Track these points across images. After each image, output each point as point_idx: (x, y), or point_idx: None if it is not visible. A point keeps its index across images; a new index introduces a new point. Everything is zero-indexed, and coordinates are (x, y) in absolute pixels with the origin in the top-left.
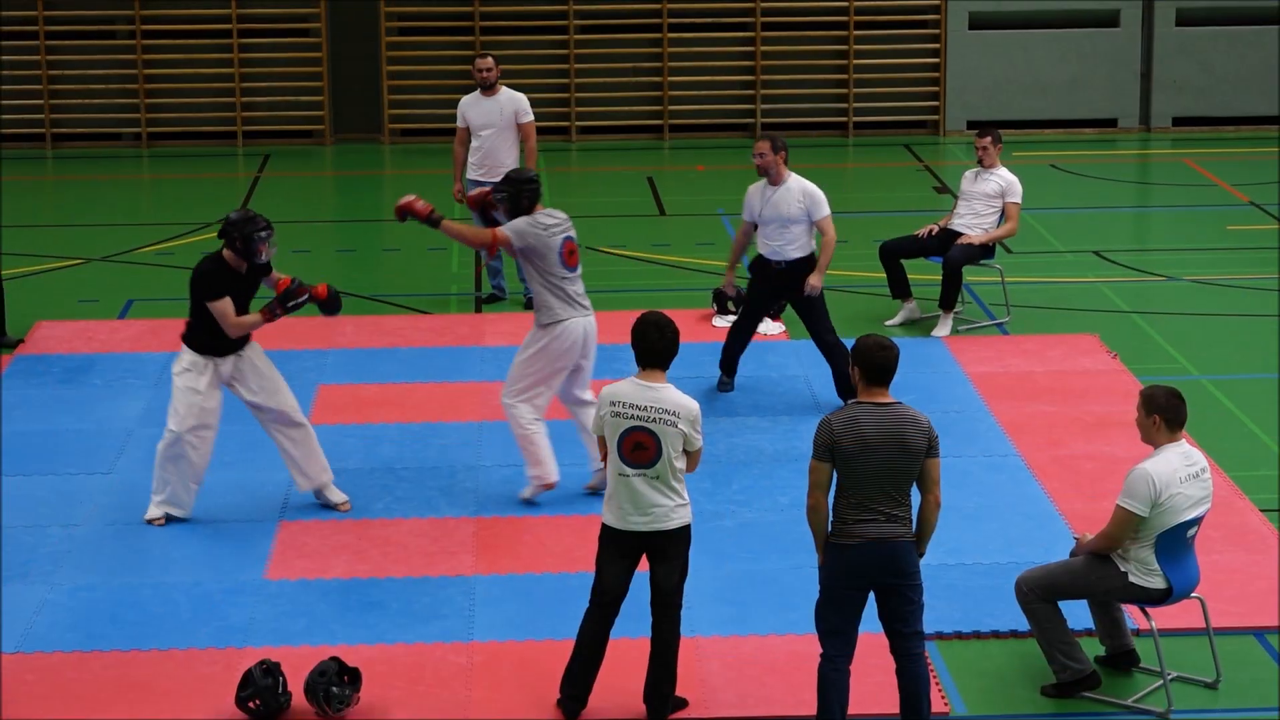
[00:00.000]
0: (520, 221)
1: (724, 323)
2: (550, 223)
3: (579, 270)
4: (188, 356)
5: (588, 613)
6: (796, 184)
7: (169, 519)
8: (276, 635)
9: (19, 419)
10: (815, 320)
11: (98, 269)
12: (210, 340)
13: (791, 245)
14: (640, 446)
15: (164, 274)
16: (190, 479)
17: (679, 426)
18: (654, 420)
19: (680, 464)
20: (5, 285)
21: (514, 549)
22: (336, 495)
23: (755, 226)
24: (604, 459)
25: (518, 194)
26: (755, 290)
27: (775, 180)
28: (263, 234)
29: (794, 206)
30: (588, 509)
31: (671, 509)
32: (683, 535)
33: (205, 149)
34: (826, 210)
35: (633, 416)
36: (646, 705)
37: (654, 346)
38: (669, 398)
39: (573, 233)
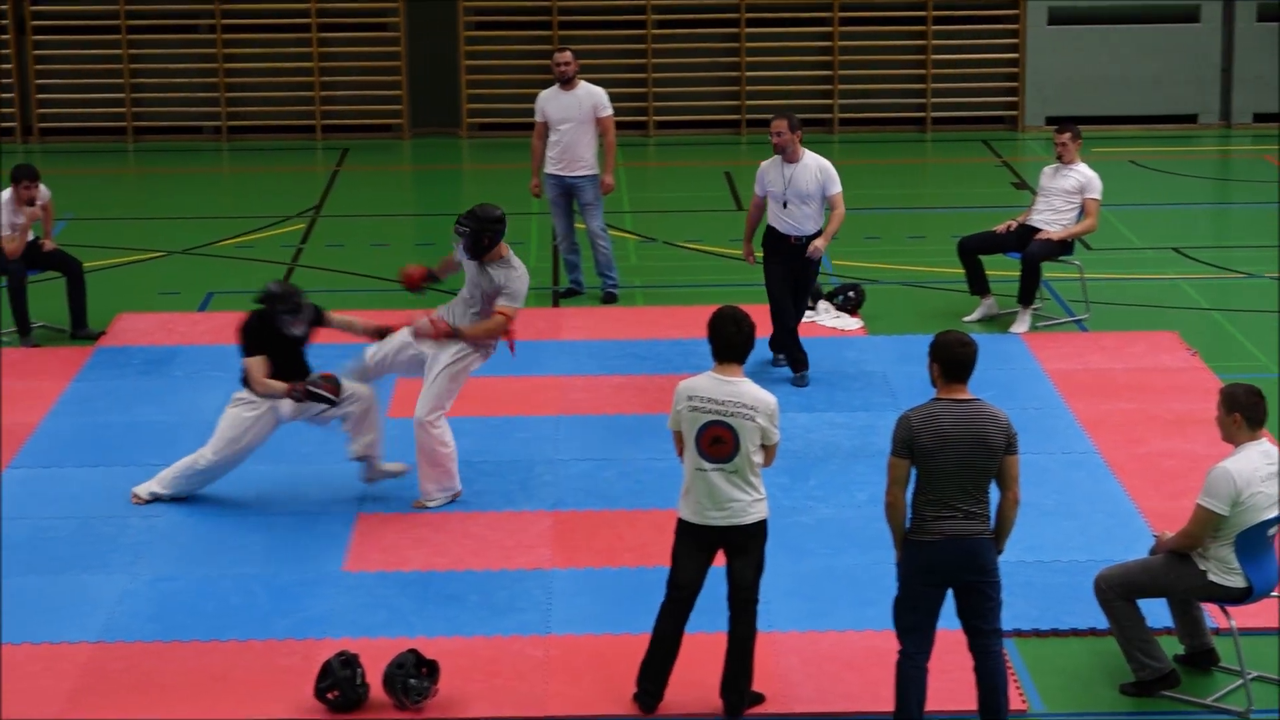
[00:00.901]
0: (517, 283)
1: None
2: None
3: None
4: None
5: (663, 606)
6: (813, 161)
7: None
8: (355, 627)
9: (100, 410)
10: (804, 285)
11: (178, 262)
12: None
13: (808, 220)
14: (718, 441)
15: (243, 267)
16: (198, 487)
17: (757, 421)
18: (732, 415)
19: (758, 459)
20: (87, 277)
21: (591, 543)
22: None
23: (764, 202)
24: (680, 454)
25: (479, 232)
26: (774, 268)
27: (792, 158)
28: (287, 316)
29: (812, 183)
30: (665, 503)
31: (749, 504)
32: (760, 530)
33: (285, 143)
34: (839, 187)
35: (711, 411)
36: (723, 700)
37: (731, 340)
38: (747, 392)
39: None
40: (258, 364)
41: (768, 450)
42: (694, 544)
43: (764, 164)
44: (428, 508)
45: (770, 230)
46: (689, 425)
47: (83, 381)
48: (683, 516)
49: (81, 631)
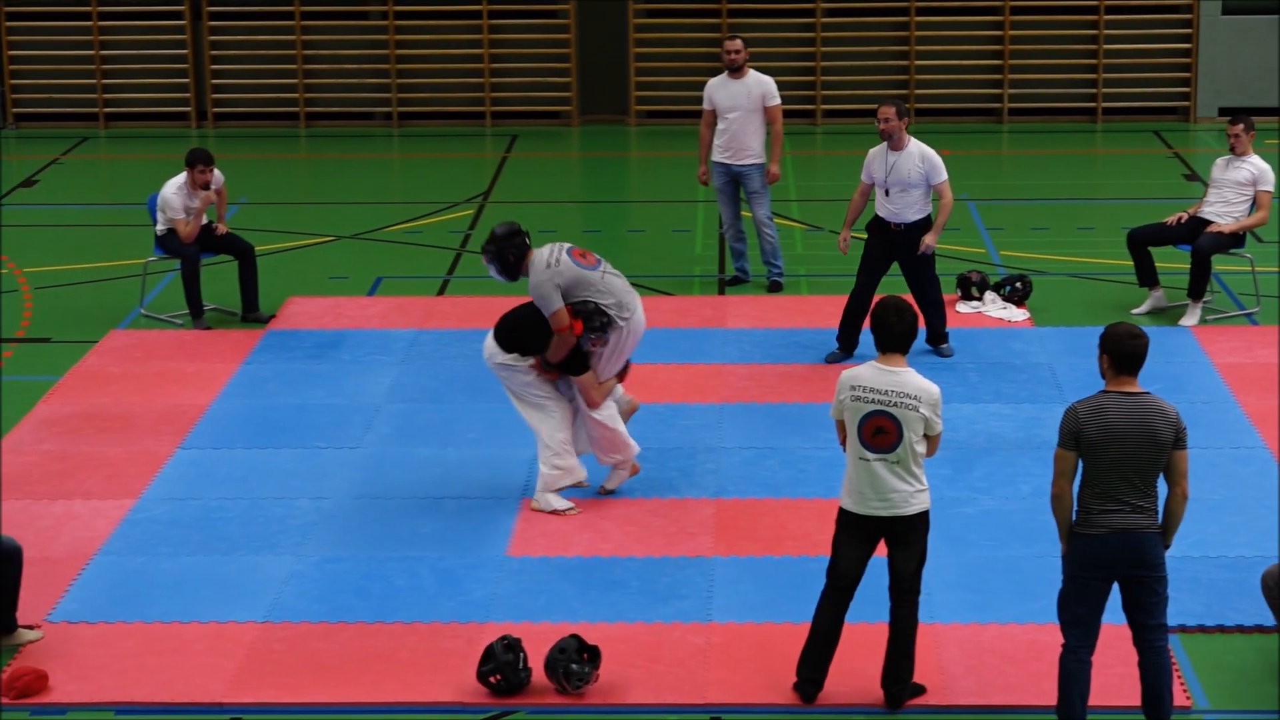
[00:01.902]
0: (539, 291)
1: (967, 309)
2: (550, 257)
3: (600, 262)
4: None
5: (823, 595)
6: (916, 149)
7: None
8: (518, 611)
9: (270, 392)
10: (922, 278)
11: (348, 246)
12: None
13: (911, 208)
14: (881, 431)
15: (412, 252)
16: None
17: (920, 411)
18: (895, 405)
19: (921, 449)
20: (259, 261)
21: (753, 531)
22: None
23: (870, 189)
24: (842, 443)
25: (502, 251)
26: (871, 252)
27: (897, 145)
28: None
29: (914, 171)
30: (828, 492)
31: (911, 494)
32: (922, 521)
33: (454, 129)
34: (944, 175)
35: (874, 401)
36: (884, 690)
37: (893, 330)
38: (910, 381)
39: (564, 244)
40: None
41: (930, 440)
42: (855, 534)
43: (871, 151)
44: (611, 491)
45: (874, 217)
46: (852, 415)
47: (253, 364)
48: (844, 506)
49: (248, 611)
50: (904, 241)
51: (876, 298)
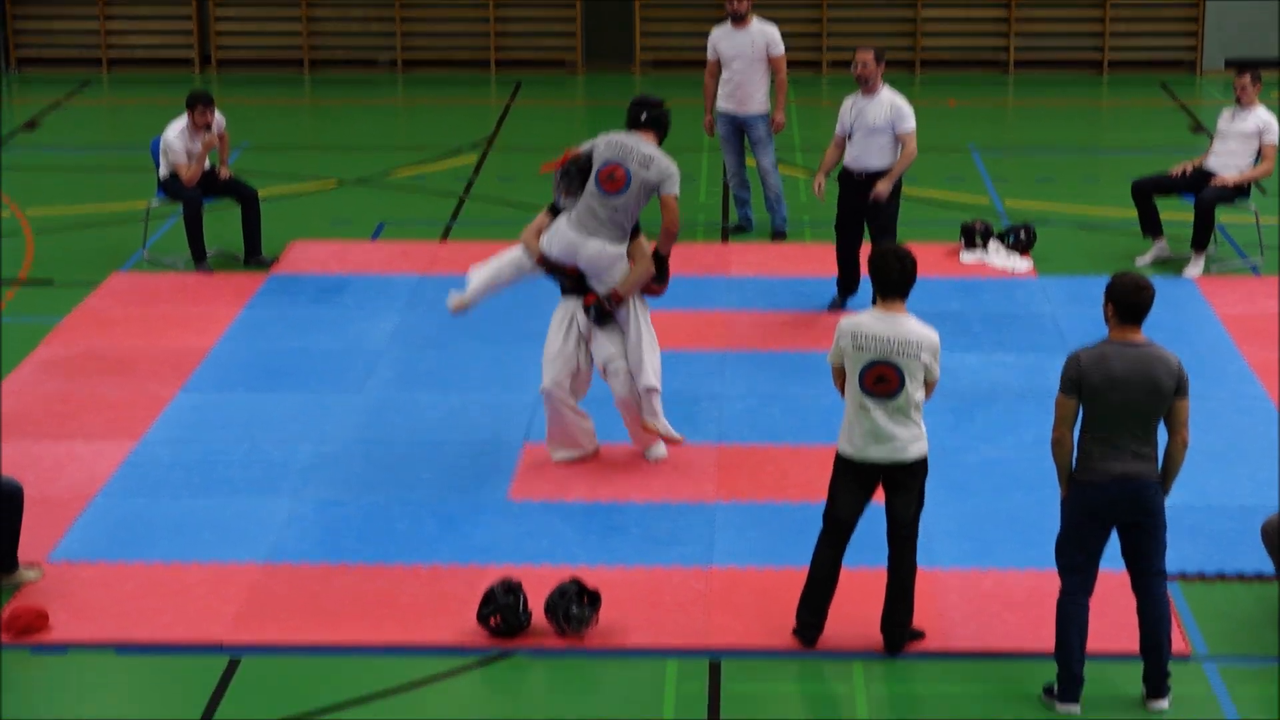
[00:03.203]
0: (668, 165)
1: (971, 258)
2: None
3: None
4: None
5: (820, 540)
6: (887, 96)
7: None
8: (518, 555)
9: (273, 336)
10: (880, 228)
11: (351, 191)
12: None
13: (873, 155)
14: (883, 380)
15: (415, 198)
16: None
17: (921, 358)
18: (896, 352)
19: (919, 396)
20: (262, 205)
21: (755, 477)
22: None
23: (845, 139)
24: (841, 391)
25: (665, 117)
26: (841, 205)
27: (870, 90)
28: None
29: (881, 116)
30: (829, 439)
31: (910, 441)
32: (920, 467)
33: (459, 76)
34: (911, 125)
35: (875, 350)
36: (883, 635)
37: (892, 277)
38: (912, 329)
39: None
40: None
41: (928, 386)
42: (853, 480)
43: (847, 99)
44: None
45: (842, 169)
46: (852, 363)
47: (255, 308)
48: (842, 452)
49: (249, 553)
50: (867, 191)
51: (871, 248)
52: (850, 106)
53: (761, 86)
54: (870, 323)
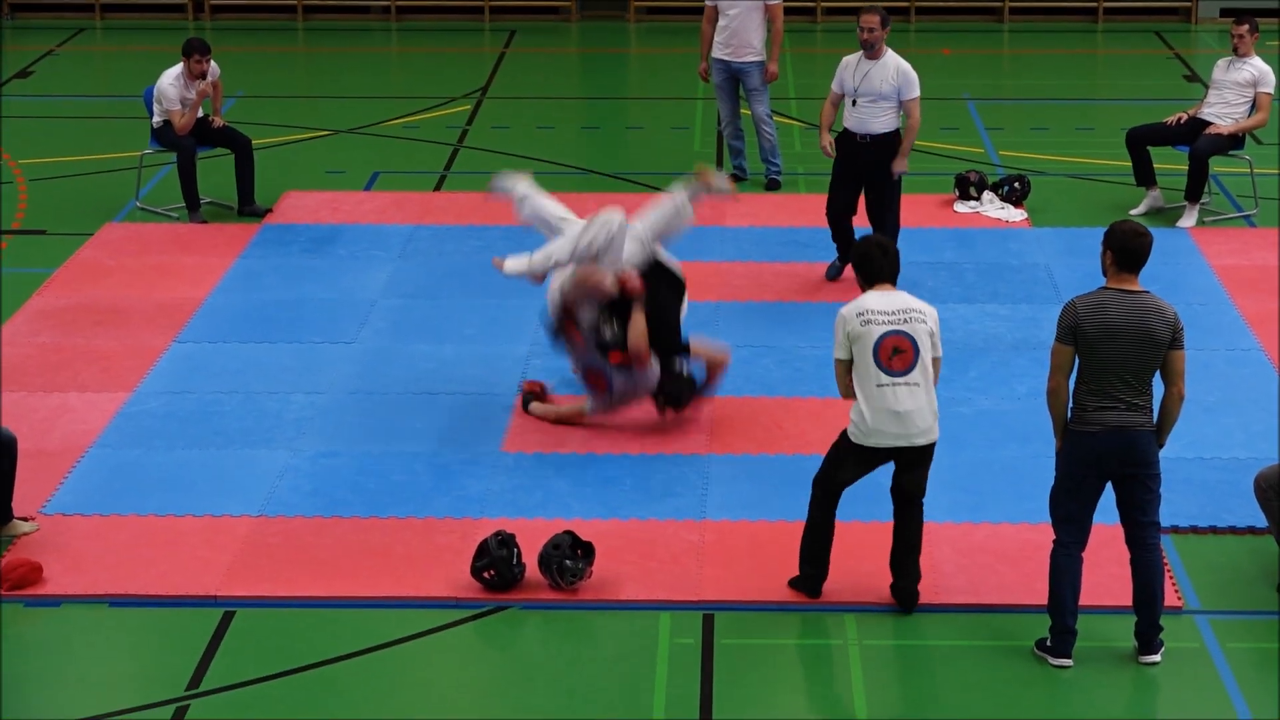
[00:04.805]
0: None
1: (965, 208)
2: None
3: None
4: None
5: (815, 502)
6: (893, 60)
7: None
8: (512, 507)
9: (266, 286)
10: (884, 203)
11: (345, 140)
12: None
13: (877, 120)
14: (899, 351)
15: (409, 147)
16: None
17: (928, 324)
18: (907, 321)
19: (931, 370)
20: (255, 155)
21: (749, 430)
22: None
23: (841, 99)
24: (842, 387)
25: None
26: (838, 168)
27: (875, 54)
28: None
29: (887, 83)
30: (823, 391)
31: (931, 422)
32: (933, 447)
33: (452, 24)
34: (917, 92)
35: (885, 321)
36: (896, 597)
37: (879, 266)
38: (913, 300)
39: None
40: None
41: (934, 364)
42: (862, 459)
43: (845, 59)
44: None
45: (842, 130)
46: (865, 342)
47: (249, 258)
48: (857, 441)
49: (243, 505)
50: (869, 155)
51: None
52: (854, 69)
53: (758, 34)
54: (874, 299)
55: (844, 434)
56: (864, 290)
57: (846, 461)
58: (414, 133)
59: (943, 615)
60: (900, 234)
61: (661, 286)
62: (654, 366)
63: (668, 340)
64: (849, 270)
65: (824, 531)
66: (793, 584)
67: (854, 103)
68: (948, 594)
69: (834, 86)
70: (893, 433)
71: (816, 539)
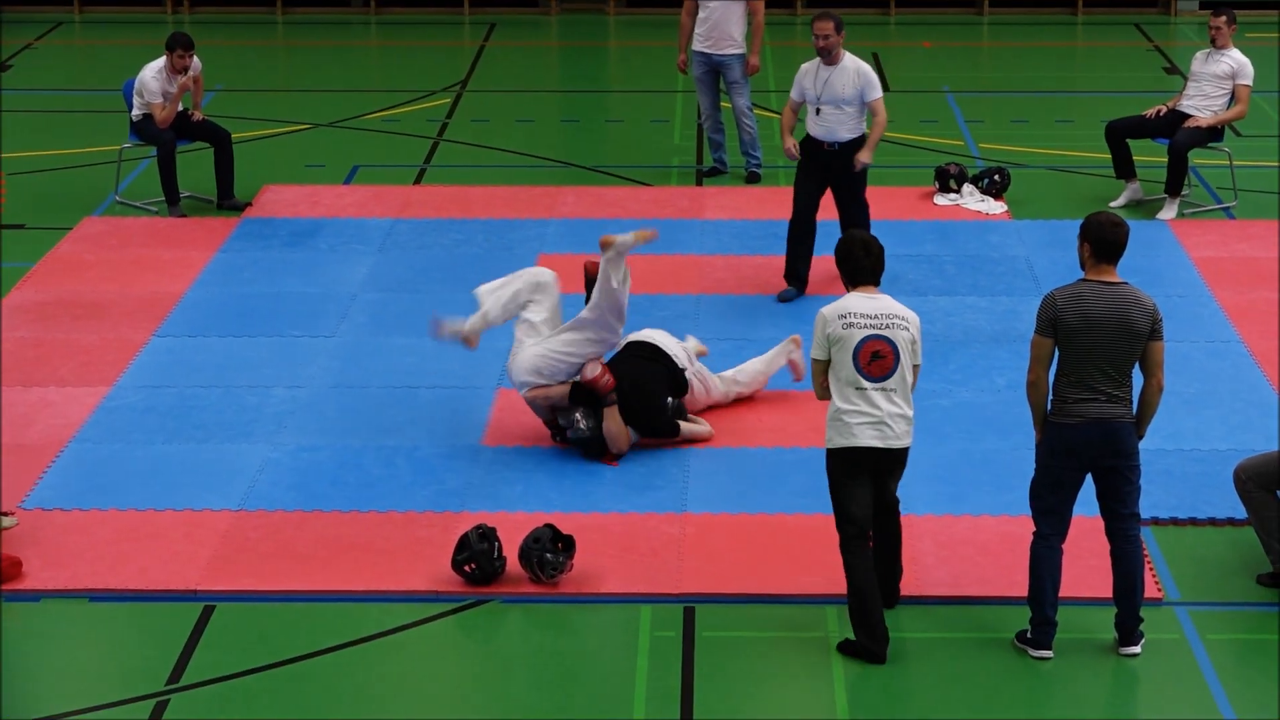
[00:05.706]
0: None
1: (945, 201)
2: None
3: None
4: None
5: (846, 549)
6: (852, 64)
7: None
8: (493, 501)
9: (246, 280)
10: (852, 201)
11: (325, 134)
12: None
13: (844, 126)
14: (878, 356)
15: (390, 140)
16: None
17: (910, 331)
18: (888, 327)
19: (909, 378)
20: (235, 148)
21: (729, 424)
22: None
23: (801, 106)
24: (818, 388)
25: None
26: (803, 173)
27: (833, 60)
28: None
29: (849, 87)
30: (803, 385)
31: (907, 426)
32: (907, 453)
33: (432, 16)
34: (879, 92)
35: (866, 325)
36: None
37: (862, 264)
38: (896, 305)
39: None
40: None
41: (914, 371)
42: (855, 469)
43: (803, 66)
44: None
45: (806, 137)
46: (845, 345)
47: (228, 252)
48: (836, 446)
49: (223, 499)
50: (837, 163)
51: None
52: (814, 76)
53: (738, 27)
54: (857, 301)
55: (827, 457)
56: (848, 289)
57: (843, 480)
58: (394, 126)
59: (923, 608)
60: (880, 227)
61: (637, 361)
62: (633, 437)
63: (652, 420)
64: (828, 264)
65: (865, 585)
66: (841, 649)
67: (818, 111)
68: (928, 586)
69: (793, 95)
70: (871, 434)
71: (858, 596)
